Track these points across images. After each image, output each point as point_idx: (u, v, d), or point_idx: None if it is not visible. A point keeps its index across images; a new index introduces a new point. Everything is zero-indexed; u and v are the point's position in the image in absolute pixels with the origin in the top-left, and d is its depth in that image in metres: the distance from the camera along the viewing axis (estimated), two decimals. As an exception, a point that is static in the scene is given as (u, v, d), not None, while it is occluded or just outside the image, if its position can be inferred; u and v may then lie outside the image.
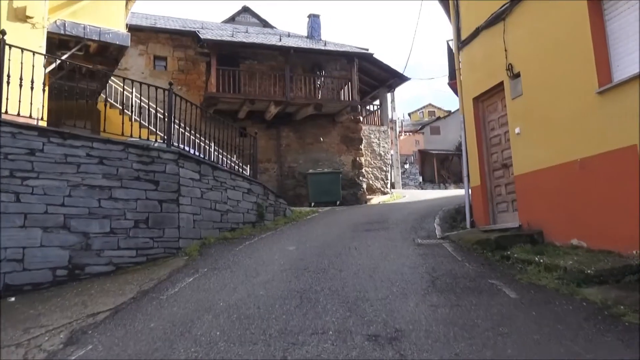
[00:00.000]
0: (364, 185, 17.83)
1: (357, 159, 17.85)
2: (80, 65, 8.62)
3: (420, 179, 41.53)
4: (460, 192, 22.78)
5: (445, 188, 39.13)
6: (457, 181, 40.83)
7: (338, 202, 16.30)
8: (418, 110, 64.29)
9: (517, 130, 6.80)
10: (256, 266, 6.25)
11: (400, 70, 19.06)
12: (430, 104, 63.96)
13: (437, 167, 41.65)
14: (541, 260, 5.34)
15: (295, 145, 17.27)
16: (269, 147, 17.00)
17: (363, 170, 17.97)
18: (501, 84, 7.23)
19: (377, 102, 20.41)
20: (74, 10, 9.15)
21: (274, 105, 15.74)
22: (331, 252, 6.92)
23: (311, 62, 17.75)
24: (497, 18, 7.15)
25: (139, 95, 10.28)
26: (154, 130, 10.70)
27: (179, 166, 7.72)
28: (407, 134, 46.06)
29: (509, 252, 6.02)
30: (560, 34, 5.92)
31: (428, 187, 39.49)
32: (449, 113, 49.28)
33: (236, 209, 9.16)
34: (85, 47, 9.61)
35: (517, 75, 6.83)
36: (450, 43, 10.38)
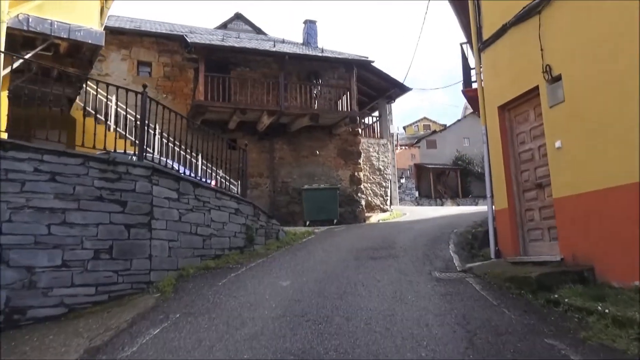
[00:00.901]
0: (363, 202, 16.65)
1: (356, 173, 16.70)
2: (47, 66, 7.45)
3: (417, 194, 40.51)
4: (465, 209, 21.67)
5: (442, 204, 38.15)
6: (454, 196, 39.90)
7: (335, 221, 15.09)
8: (413, 123, 63.82)
9: (557, 144, 5.67)
10: (241, 310, 5.01)
11: (400, 80, 18.00)
12: (425, 117, 63.55)
13: (433, 181, 40.67)
14: (606, 311, 4.15)
15: (290, 159, 16.10)
16: (261, 160, 15.80)
17: (362, 186, 16.80)
18: (535, 89, 6.12)
19: (376, 113, 19.34)
20: (39, 4, 7.96)
21: (266, 116, 14.59)
22: (333, 289, 5.70)
23: (307, 70, 16.67)
24: (531, 11, 6.06)
25: (120, 104, 9.08)
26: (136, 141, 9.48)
27: (152, 183, 6.49)
28: (403, 147, 45.18)
29: (556, 295, 4.84)
30: (615, 25, 4.82)
31: (424, 202, 38.45)
32: (444, 127, 48.61)
33: (221, 232, 7.92)
34: (54, 47, 8.41)
35: (557, 79, 5.72)
36: (464, 46, 9.32)
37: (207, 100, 13.94)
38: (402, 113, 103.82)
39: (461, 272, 6.46)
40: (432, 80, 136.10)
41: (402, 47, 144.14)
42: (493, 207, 7.09)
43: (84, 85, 10.14)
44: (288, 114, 15.02)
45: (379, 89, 18.63)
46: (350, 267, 6.99)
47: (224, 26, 21.94)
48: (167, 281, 6.31)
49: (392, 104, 19.96)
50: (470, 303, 4.98)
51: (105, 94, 10.48)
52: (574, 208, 5.39)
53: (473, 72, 9.80)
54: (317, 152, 16.34)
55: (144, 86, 7.03)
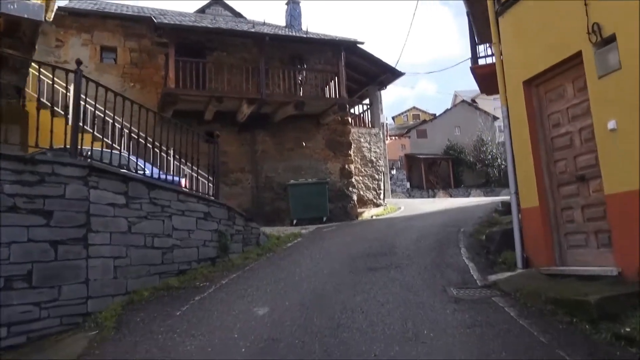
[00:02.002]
0: (355, 197, 15.30)
1: (346, 166, 15.33)
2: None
3: (408, 185, 39.42)
4: (462, 201, 20.25)
5: (434, 194, 37.09)
6: (446, 187, 38.87)
7: (325, 218, 13.74)
8: (402, 113, 62.75)
9: (610, 124, 4.36)
10: (200, 358, 3.65)
11: (391, 65, 16.62)
12: (414, 107, 62.45)
13: (425, 172, 39.60)
14: None
15: (273, 152, 14.66)
16: (242, 154, 14.34)
17: (353, 180, 15.44)
18: (575, 56, 4.80)
19: (366, 101, 17.95)
20: (-41, -30, 6.47)
21: (246, 104, 13.12)
22: (324, 319, 4.35)
23: (290, 54, 15.19)
24: (570, -45, 4.72)
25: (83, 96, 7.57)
26: (103, 138, 7.97)
27: (89, 186, 5.07)
28: (393, 138, 43.90)
29: (627, 329, 3.54)
30: None
31: (416, 193, 37.38)
32: (434, 116, 47.46)
33: (187, 242, 6.52)
34: (-15, 25, 6.96)
35: (609, 40, 4.40)
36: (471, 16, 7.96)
37: (179, 87, 12.43)
38: (391, 103, 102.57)
39: (484, 288, 5.16)
40: (420, 68, 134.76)
41: (390, 35, 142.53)
42: (518, 205, 5.77)
43: (38, 73, 8.68)
44: (270, 103, 13.57)
45: (369, 74, 17.22)
46: (344, 283, 5.64)
47: (201, 11, 20.33)
48: (111, 311, 4.92)
49: (383, 92, 18.57)
50: (510, 340, 3.66)
51: (65, 84, 8.87)
52: (636, 207, 4.09)
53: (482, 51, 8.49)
54: (304, 144, 14.93)
55: (78, 63, 5.55)
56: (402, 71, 16.66)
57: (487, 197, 28.11)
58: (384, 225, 10.98)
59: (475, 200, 21.76)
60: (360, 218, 14.99)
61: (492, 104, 48.77)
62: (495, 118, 44.33)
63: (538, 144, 5.45)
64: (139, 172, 7.00)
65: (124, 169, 6.20)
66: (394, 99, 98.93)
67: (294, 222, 13.43)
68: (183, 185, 8.34)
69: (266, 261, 7.33)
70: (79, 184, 4.97)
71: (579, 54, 4.75)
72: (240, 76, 13.50)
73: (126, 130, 10.69)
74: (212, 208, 7.13)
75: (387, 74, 16.72)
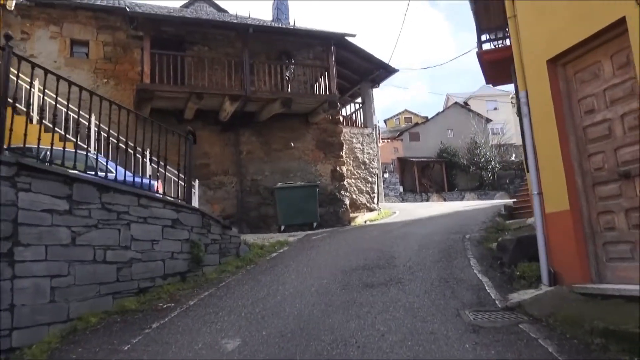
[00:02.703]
0: (347, 201, 14.33)
1: (338, 168, 14.37)
2: None
3: (401, 188, 38.67)
4: (459, 205, 19.11)
5: (428, 198, 36.33)
6: (439, 190, 38.11)
7: (315, 224, 12.78)
8: (394, 116, 62.32)
9: (668, 106, 3.45)
10: None
11: (385, 61, 15.72)
12: (406, 110, 61.97)
13: (418, 175, 38.87)
14: None
15: (260, 153, 13.67)
16: (226, 155, 13.33)
17: (345, 183, 14.48)
18: (617, 25, 3.90)
19: (358, 100, 17.02)
20: None
21: (229, 102, 12.13)
22: (310, 357, 3.39)
23: (278, 49, 14.24)
24: None
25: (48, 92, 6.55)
26: (65, 135, 6.93)
27: (17, 189, 4.06)
28: (385, 140, 43.08)
29: None
30: None
31: (409, 197, 36.60)
32: (426, 119, 46.79)
33: (150, 255, 5.52)
34: None
35: (665, 1, 3.50)
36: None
37: (154, 83, 11.42)
38: (382, 107, 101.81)
39: (506, 312, 4.22)
40: (412, 71, 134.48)
41: (381, 37, 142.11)
42: (542, 208, 4.85)
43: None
44: (255, 100, 12.59)
45: (361, 71, 16.31)
46: (335, 304, 4.68)
47: (185, 7, 19.38)
48: (44, 345, 3.92)
49: (375, 93, 17.65)
50: (557, 392, 2.72)
51: (30, 80, 7.75)
52: None
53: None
54: (292, 144, 13.96)
55: (7, 38, 4.52)
56: (396, 67, 15.75)
57: (483, 201, 27.34)
58: (380, 232, 10.03)
59: (472, 204, 20.98)
60: (353, 223, 14.04)
61: (485, 106, 48.37)
62: (488, 120, 43.75)
63: (567, 135, 4.54)
64: (109, 175, 6.02)
65: (76, 169, 5.19)
66: (385, 103, 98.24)
67: (282, 228, 12.45)
68: (156, 189, 7.35)
69: (245, 275, 6.35)
70: (4, 185, 3.97)
71: (621, 22, 3.85)
72: (223, 72, 12.51)
73: (94, 129, 9.71)
74: (182, 214, 6.14)
75: (380, 70, 15.81)
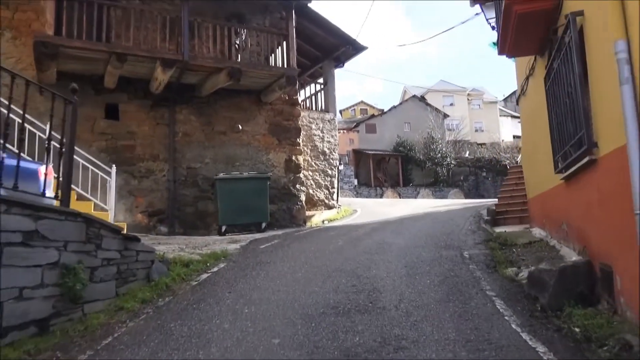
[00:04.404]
0: (303, 197, 12.17)
1: (294, 158, 12.15)
2: None
3: (355, 182, 37.05)
4: (423, 203, 17.05)
5: (382, 193, 35.01)
6: (394, 185, 36.87)
7: (264, 225, 10.56)
8: (350, 107, 60.96)
9: None
10: None
11: (352, 37, 13.61)
12: (362, 102, 60.90)
13: (373, 169, 37.44)
14: None
15: (200, 136, 11.19)
16: (156, 136, 10.76)
17: (301, 175, 12.30)
18: None
19: (320, 80, 14.86)
20: None
21: (161, 68, 9.57)
22: None
23: (228, 10, 11.75)
24: None
25: None
26: None
27: None
28: (341, 131, 41.26)
29: None
30: None
31: (364, 191, 35.14)
32: (382, 112, 45.47)
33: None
34: None
35: None
36: None
37: (60, 35, 8.72)
38: (338, 97, 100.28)
39: None
40: (368, 65, 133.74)
41: (348, 13, 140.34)
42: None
43: None
44: (196, 69, 10.12)
45: (324, 47, 14.11)
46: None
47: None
48: None
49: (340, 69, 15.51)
50: None
51: None
52: None
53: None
54: (240, 127, 11.57)
55: None
56: (365, 45, 13.70)
57: (445, 200, 26.09)
58: (346, 241, 7.93)
59: (438, 203, 19.45)
60: (309, 223, 11.94)
61: (442, 101, 47.58)
62: (445, 115, 42.95)
63: None
64: None
65: None
66: (341, 94, 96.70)
67: (223, 229, 10.15)
68: (41, 174, 4.80)
69: (152, 320, 4.04)
70: None
71: None
72: (155, 32, 9.92)
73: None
74: (45, 222, 3.73)
75: (347, 46, 13.66)
